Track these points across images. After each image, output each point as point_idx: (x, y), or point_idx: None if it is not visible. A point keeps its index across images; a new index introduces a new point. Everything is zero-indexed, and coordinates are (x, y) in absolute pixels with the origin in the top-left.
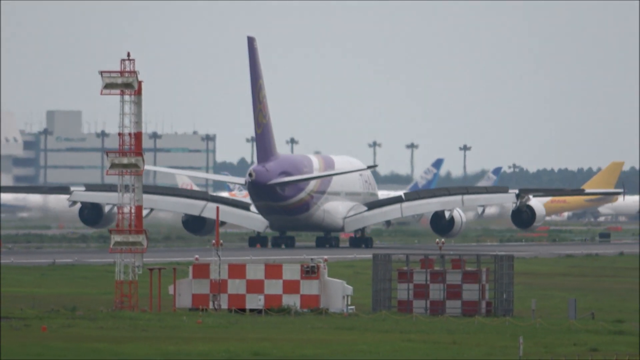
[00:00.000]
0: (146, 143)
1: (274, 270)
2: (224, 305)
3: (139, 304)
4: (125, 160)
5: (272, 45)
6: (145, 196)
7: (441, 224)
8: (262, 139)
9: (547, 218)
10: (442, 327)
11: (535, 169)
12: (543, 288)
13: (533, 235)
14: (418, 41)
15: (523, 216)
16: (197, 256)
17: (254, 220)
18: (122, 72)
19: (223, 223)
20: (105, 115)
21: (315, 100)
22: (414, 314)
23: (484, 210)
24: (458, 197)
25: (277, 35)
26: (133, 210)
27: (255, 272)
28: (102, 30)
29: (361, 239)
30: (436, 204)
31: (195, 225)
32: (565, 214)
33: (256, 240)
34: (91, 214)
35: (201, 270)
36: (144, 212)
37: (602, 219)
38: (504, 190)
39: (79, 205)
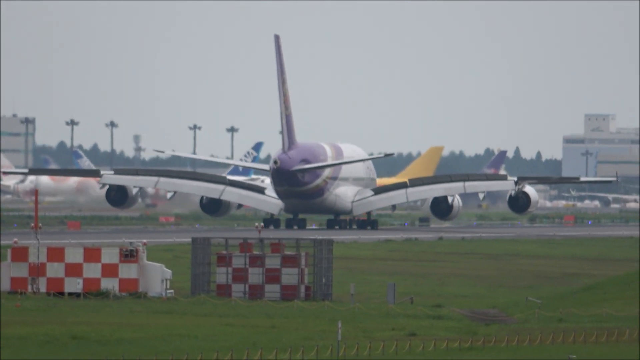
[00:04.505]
0: None
1: (92, 254)
2: (43, 289)
3: None
4: None
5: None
6: (168, 180)
7: (441, 208)
8: (285, 128)
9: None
10: (261, 311)
11: None
12: (362, 272)
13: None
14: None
15: (519, 202)
16: (15, 239)
17: (269, 204)
18: None
19: (240, 206)
20: None
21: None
22: (233, 298)
23: (484, 197)
24: (460, 184)
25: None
26: None
27: (74, 255)
28: None
29: (367, 222)
30: (439, 190)
31: (212, 207)
32: None
33: (270, 222)
34: (117, 196)
35: (20, 254)
36: (168, 195)
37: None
38: (503, 177)
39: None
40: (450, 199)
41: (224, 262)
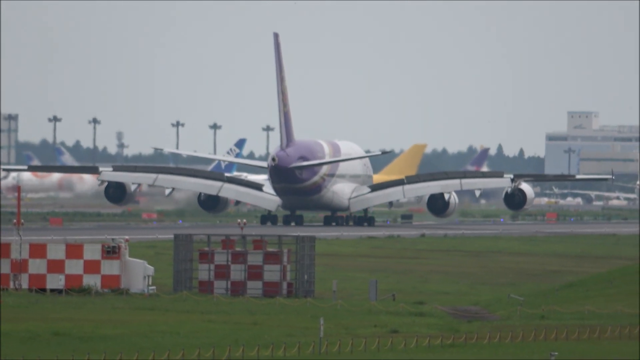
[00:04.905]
0: None
1: (74, 250)
2: (25, 285)
3: None
4: None
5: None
6: (167, 177)
7: (437, 205)
8: (283, 126)
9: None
10: (243, 308)
11: None
12: (345, 269)
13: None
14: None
15: (515, 199)
16: None
17: (267, 200)
18: None
19: (238, 202)
20: None
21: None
22: (215, 294)
23: (480, 194)
24: (456, 181)
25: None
26: None
27: (56, 251)
28: None
29: (364, 218)
30: (436, 187)
31: (210, 203)
32: None
33: (267, 219)
34: (116, 192)
35: (2, 250)
36: (167, 192)
37: (404, 200)
38: (500, 175)
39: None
40: (446, 196)
41: (206, 258)
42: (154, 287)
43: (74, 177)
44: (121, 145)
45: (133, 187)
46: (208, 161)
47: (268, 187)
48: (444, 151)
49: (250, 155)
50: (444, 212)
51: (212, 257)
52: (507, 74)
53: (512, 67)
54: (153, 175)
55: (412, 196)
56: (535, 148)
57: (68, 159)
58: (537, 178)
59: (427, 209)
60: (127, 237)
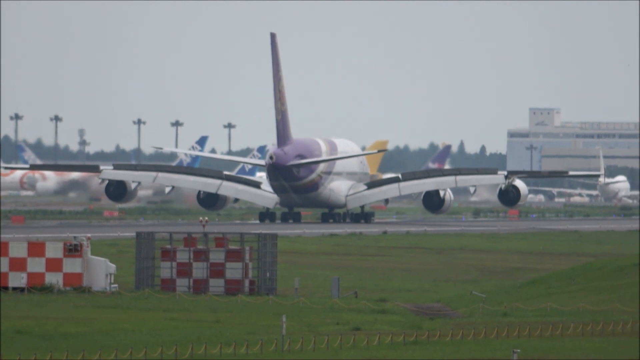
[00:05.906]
0: None
1: (36, 248)
2: None
3: None
4: None
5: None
6: (167, 175)
7: (433, 202)
8: (281, 124)
9: None
10: (205, 306)
11: None
12: (307, 267)
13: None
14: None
15: (510, 195)
16: None
17: (265, 198)
18: None
19: (237, 200)
20: None
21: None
22: (177, 292)
23: (475, 190)
24: (451, 178)
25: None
26: None
27: (18, 250)
28: None
29: (361, 215)
30: (431, 184)
31: (209, 201)
32: None
33: (266, 216)
34: (116, 190)
35: None
36: (167, 189)
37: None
38: (494, 171)
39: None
40: (442, 193)
41: (168, 256)
42: (116, 285)
43: (37, 175)
44: (83, 143)
45: (133, 185)
46: (171, 158)
47: (266, 185)
48: (406, 148)
49: (212, 153)
50: (439, 209)
51: (174, 255)
52: (468, 70)
53: (473, 64)
54: (153, 174)
55: (408, 193)
56: (497, 145)
57: (30, 156)
58: (531, 175)
59: (422, 206)
60: (89, 235)
